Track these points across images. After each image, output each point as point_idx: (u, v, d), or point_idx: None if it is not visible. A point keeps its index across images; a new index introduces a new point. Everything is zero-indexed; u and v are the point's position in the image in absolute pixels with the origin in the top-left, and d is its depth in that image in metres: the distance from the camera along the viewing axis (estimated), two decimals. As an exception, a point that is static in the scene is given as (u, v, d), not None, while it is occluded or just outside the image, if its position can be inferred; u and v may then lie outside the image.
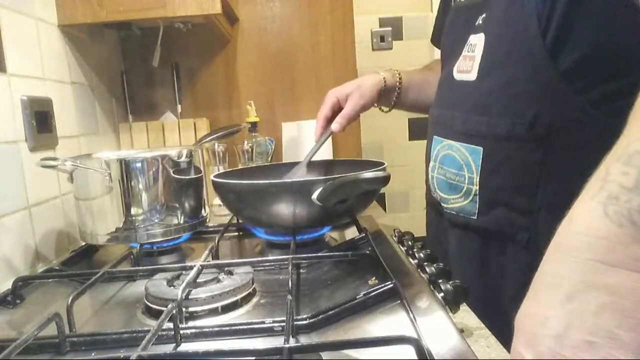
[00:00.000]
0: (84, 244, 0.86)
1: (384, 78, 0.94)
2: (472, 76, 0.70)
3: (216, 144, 1.20)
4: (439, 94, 0.82)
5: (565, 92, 0.60)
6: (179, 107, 1.37)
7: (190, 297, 0.54)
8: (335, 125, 0.92)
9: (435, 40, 0.97)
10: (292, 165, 0.97)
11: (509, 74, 0.64)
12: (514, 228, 0.66)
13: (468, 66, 0.71)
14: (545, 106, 0.61)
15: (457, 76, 0.74)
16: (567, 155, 0.62)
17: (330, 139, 1.39)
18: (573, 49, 0.59)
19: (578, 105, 0.60)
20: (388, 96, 0.97)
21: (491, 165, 0.67)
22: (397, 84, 0.96)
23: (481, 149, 0.67)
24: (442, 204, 0.77)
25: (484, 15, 0.70)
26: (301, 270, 0.69)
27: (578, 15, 0.58)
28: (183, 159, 0.81)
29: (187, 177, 0.82)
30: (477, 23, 0.71)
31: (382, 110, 1.02)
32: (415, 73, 1.00)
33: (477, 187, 0.68)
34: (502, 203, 0.67)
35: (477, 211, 0.69)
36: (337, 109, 0.94)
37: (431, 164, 0.79)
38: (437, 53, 0.96)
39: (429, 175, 0.81)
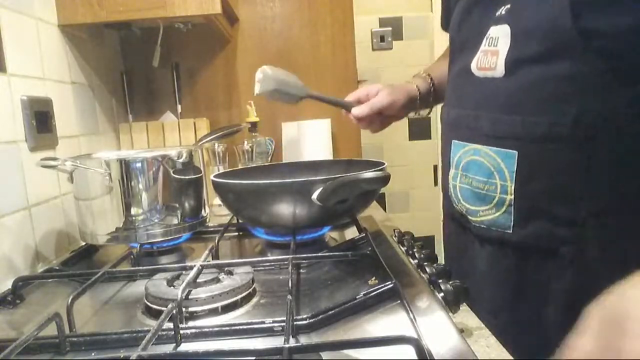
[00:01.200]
0: (84, 244, 0.86)
1: (416, 86, 0.92)
2: (498, 72, 0.63)
3: (216, 144, 1.20)
4: (454, 93, 0.76)
5: (610, 84, 0.55)
6: (179, 107, 1.36)
7: (190, 297, 0.54)
8: (356, 111, 0.88)
9: (446, 24, 0.90)
10: (292, 165, 0.97)
11: (544, 69, 0.58)
12: (556, 241, 0.60)
13: (491, 62, 0.64)
14: (588, 102, 0.56)
15: (478, 73, 0.67)
16: (613, 156, 0.57)
17: (330, 138, 1.40)
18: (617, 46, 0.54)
19: (625, 98, 0.55)
20: (425, 100, 0.93)
21: (528, 171, 0.60)
22: (430, 85, 0.93)
23: (515, 152, 0.61)
24: (469, 217, 0.70)
25: (507, 6, 0.63)
26: (301, 270, 0.69)
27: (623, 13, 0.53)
28: (183, 159, 0.81)
29: (187, 177, 0.82)
30: (498, 14, 0.64)
31: (421, 116, 0.99)
32: (438, 67, 0.95)
33: (512, 197, 0.62)
34: (542, 213, 0.61)
35: (512, 224, 0.63)
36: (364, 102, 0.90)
37: (451, 171, 0.73)
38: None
39: (449, 184, 0.74)
